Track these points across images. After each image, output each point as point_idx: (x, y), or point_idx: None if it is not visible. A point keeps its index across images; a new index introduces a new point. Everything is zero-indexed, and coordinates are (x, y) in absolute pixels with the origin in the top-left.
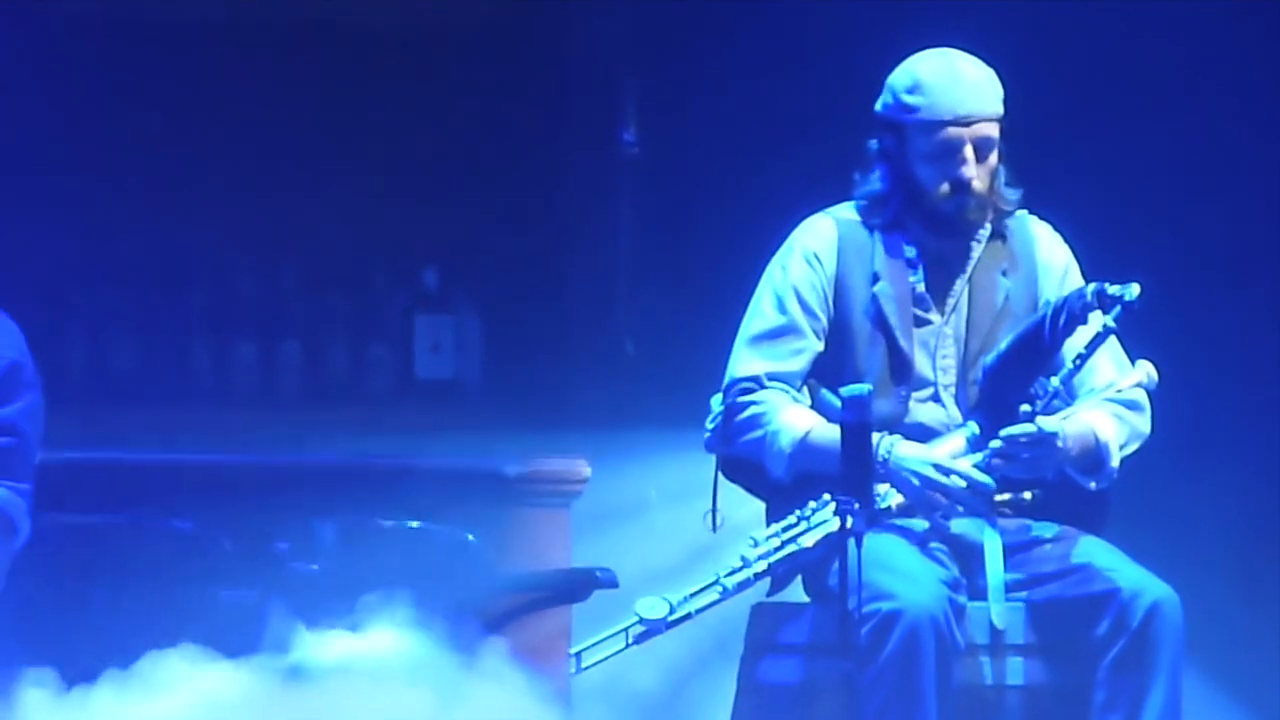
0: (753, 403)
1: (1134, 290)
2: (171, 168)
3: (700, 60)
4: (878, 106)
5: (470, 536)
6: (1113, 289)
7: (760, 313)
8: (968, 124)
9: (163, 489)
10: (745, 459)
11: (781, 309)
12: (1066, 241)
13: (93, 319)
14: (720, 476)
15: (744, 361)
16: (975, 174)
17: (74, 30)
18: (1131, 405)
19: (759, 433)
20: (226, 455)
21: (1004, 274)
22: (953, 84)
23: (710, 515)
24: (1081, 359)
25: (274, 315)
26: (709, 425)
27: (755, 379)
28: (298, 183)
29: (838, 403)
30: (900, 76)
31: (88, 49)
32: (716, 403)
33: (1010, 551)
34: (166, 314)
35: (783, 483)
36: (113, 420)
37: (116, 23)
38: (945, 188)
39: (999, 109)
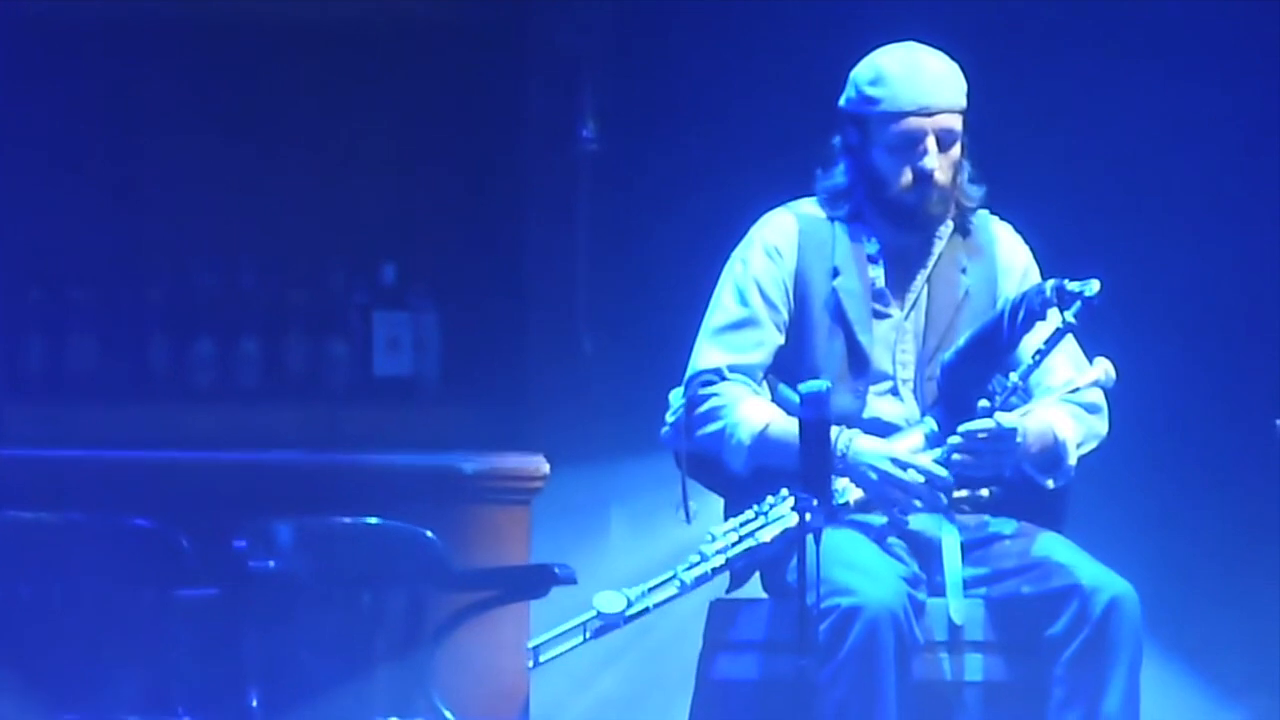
0: (713, 394)
1: (1094, 286)
2: (129, 164)
3: (659, 56)
4: (841, 101)
5: (429, 534)
6: (1072, 285)
7: (721, 305)
8: (929, 115)
9: (120, 486)
10: (704, 453)
11: (743, 301)
12: (1027, 243)
13: (50, 315)
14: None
15: (705, 354)
16: (937, 165)
17: (31, 31)
18: (1090, 408)
19: (718, 425)
20: (184, 453)
21: (964, 271)
22: (915, 75)
23: (682, 508)
24: (1041, 355)
25: (232, 311)
26: (668, 419)
27: (716, 371)
28: (256, 179)
29: (796, 398)
30: (863, 70)
31: (44, 49)
32: (675, 397)
33: (969, 548)
34: (124, 310)
35: (741, 476)
36: (70, 417)
37: (74, 23)
38: (907, 178)
39: (961, 101)
